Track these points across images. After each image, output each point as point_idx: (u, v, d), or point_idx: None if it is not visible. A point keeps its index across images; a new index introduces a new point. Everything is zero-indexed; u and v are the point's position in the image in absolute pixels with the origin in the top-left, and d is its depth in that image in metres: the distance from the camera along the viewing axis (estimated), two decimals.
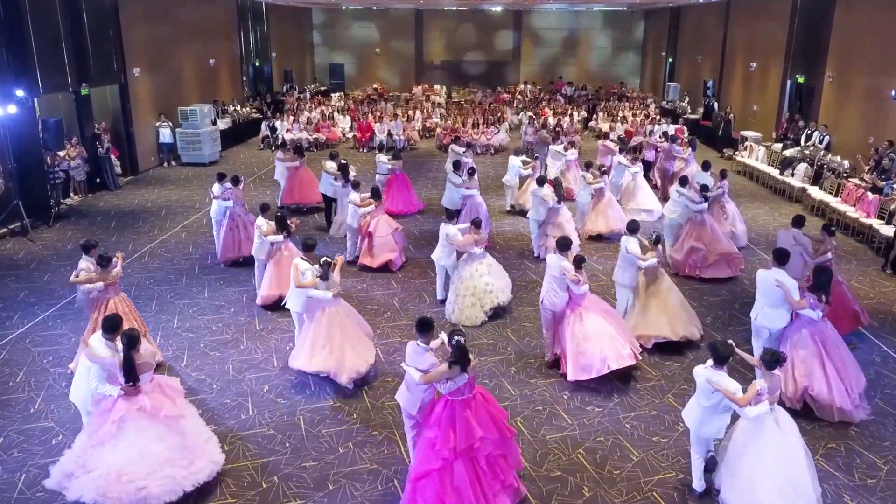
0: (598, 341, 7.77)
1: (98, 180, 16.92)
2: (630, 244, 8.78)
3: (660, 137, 18.74)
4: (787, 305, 7.41)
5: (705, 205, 11.40)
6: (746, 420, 5.74)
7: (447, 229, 9.74)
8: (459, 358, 5.56)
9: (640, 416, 7.40)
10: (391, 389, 7.76)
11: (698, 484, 6.18)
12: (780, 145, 18.72)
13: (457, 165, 13.47)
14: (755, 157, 19.10)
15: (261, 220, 9.85)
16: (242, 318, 9.79)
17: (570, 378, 7.86)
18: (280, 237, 9.65)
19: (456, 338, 5.72)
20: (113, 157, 17.64)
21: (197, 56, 22.46)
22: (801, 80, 19.70)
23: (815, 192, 15.54)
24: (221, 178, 11.96)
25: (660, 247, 8.84)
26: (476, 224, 9.93)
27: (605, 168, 14.12)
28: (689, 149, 16.29)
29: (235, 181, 11.93)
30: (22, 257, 12.33)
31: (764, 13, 22.20)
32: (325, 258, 7.85)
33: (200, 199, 16.33)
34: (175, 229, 14.03)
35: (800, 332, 7.33)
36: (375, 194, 11.76)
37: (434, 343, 6.07)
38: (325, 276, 7.74)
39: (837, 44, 17.83)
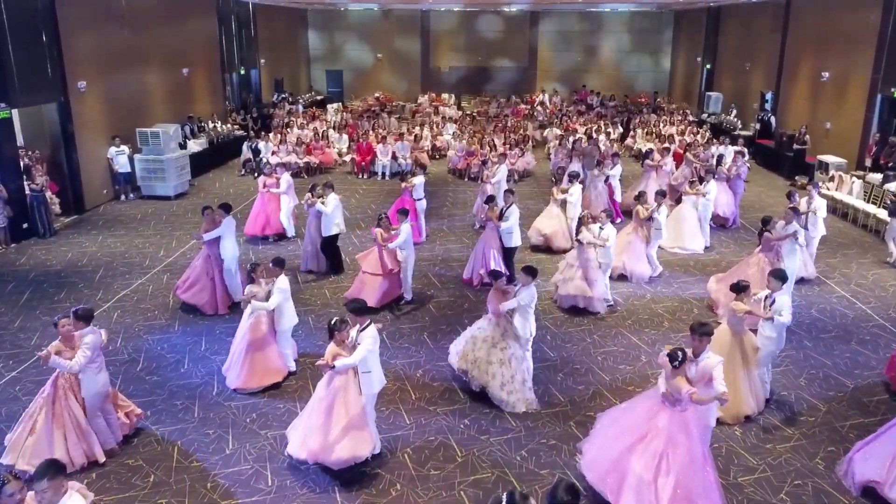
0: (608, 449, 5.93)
1: (25, 225, 13.32)
2: None
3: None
4: None
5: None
6: None
7: None
8: None
9: None
10: None
11: None
12: (878, 176, 15.13)
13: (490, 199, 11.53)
14: (847, 190, 15.48)
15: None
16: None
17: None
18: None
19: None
20: (50, 193, 14.10)
21: (165, 65, 18.79)
22: None
23: None
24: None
25: None
26: (494, 275, 7.98)
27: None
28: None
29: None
30: None
31: (841, 12, 18.58)
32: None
33: (154, 252, 12.70)
34: (107, 304, 10.34)
35: None
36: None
37: None
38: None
39: None
